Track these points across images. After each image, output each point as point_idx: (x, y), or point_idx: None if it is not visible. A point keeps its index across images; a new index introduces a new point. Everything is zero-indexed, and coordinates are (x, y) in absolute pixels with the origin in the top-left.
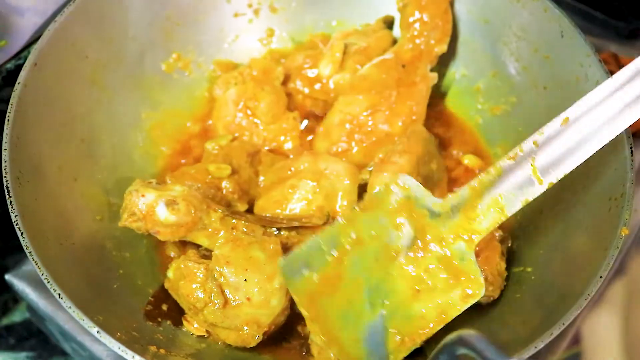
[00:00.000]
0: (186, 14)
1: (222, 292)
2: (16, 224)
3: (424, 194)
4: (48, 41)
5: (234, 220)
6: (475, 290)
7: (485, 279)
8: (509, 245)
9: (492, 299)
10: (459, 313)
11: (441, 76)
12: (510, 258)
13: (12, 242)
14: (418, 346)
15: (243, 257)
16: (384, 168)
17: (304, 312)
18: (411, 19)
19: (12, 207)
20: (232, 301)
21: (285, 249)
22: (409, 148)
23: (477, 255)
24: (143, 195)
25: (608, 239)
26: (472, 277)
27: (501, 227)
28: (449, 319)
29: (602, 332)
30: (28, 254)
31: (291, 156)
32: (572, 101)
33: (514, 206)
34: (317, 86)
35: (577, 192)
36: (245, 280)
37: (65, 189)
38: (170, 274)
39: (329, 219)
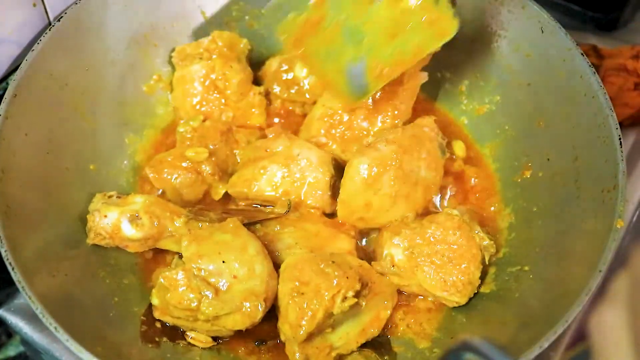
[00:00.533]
0: (163, 33)
1: (209, 282)
2: (7, 259)
3: None
4: (26, 71)
5: (200, 225)
6: (448, 29)
7: (455, 286)
8: (495, 253)
9: (458, 304)
10: (434, 49)
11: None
12: (504, 260)
13: (1, 276)
14: (396, 76)
15: (211, 245)
16: (365, 152)
17: (293, 51)
18: None
19: (1, 242)
20: (221, 286)
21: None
22: (398, 140)
23: (449, 260)
24: (105, 216)
25: (604, 232)
26: (446, 19)
27: (489, 232)
28: (425, 54)
29: (610, 328)
30: (21, 289)
31: (270, 135)
32: (557, 97)
33: None
34: (294, 89)
35: (569, 186)
36: (223, 261)
37: (54, 220)
38: (155, 300)
39: (290, 207)
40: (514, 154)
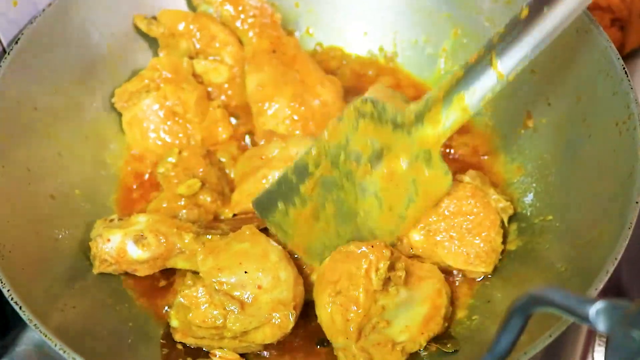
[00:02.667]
0: (126, 41)
1: (232, 296)
2: (11, 299)
3: (388, 108)
4: None
5: (208, 236)
6: (442, 187)
7: (478, 257)
8: (513, 212)
9: (486, 274)
10: (430, 207)
11: (403, 48)
12: (523, 214)
13: None
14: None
15: (230, 256)
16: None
17: (285, 243)
18: (237, 23)
19: (2, 283)
20: (246, 299)
21: None
22: None
23: (468, 231)
24: (108, 240)
25: (628, 164)
26: (439, 177)
27: (503, 192)
28: (419, 217)
29: None
30: (33, 327)
31: (262, 142)
32: None
33: (477, 104)
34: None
35: (577, 127)
36: (245, 272)
37: (50, 252)
38: (174, 322)
39: None
40: (511, 106)
